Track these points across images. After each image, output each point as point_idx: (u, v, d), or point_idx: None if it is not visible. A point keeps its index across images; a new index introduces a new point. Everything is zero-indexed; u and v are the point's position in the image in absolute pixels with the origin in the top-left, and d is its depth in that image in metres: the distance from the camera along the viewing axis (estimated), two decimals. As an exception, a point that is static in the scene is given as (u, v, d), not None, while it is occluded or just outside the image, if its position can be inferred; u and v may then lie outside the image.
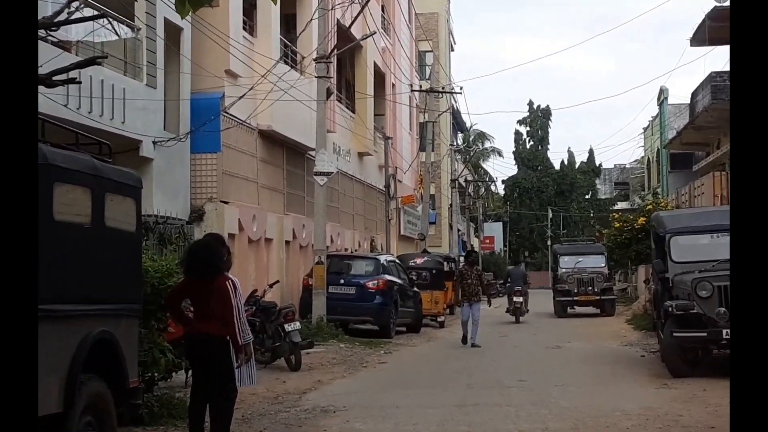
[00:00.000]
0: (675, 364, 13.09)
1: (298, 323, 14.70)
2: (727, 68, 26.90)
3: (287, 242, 22.94)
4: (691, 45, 32.42)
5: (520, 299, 28.15)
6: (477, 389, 12.41)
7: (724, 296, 12.45)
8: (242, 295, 8.42)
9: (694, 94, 32.07)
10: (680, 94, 55.65)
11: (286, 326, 14.19)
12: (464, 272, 19.54)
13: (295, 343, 14.27)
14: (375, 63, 32.06)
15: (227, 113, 18.92)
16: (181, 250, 13.40)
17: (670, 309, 13.03)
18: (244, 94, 18.68)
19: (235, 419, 8.72)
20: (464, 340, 19.27)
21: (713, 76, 27.94)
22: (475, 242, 64.18)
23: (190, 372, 9.89)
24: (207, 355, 7.84)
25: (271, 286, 16.30)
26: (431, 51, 47.21)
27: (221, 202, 18.78)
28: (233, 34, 18.92)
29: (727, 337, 12.23)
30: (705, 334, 12.67)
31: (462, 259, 39.06)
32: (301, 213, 24.37)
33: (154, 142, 16.83)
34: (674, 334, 12.85)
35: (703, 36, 30.12)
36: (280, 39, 22.13)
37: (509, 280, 29.51)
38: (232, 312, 7.77)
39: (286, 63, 22.07)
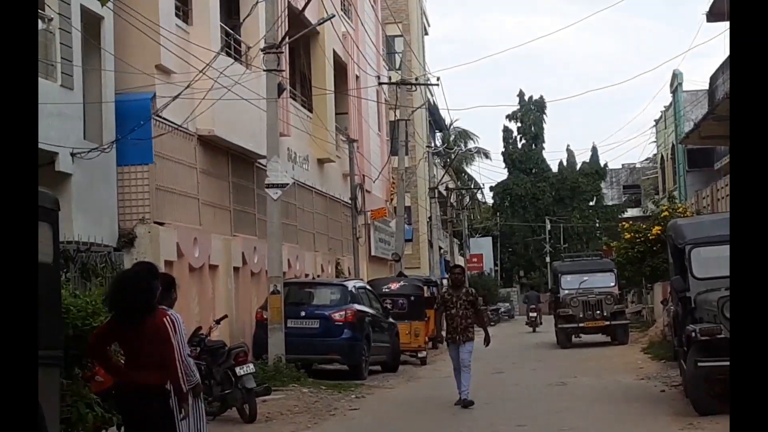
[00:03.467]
0: (701, 400, 13.18)
1: (251, 365, 14.66)
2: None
3: (236, 269, 22.88)
4: (708, 20, 32.82)
5: (535, 314, 46.62)
6: (468, 438, 12.42)
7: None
8: (185, 334, 8.37)
9: (713, 79, 32.44)
10: (697, 79, 56.20)
11: (237, 369, 14.15)
12: (447, 298, 16.40)
13: (248, 390, 14.23)
14: (335, 51, 32.11)
15: (160, 117, 18.87)
16: (108, 283, 13.34)
17: (693, 334, 13.12)
18: (179, 94, 18.62)
19: (179, 484, 8.66)
20: (461, 401, 15.81)
21: (735, 57, 28.23)
22: (460, 261, 64.37)
23: (122, 429, 9.82)
24: (142, 410, 7.77)
25: (218, 322, 16.22)
26: (401, 35, 47.36)
27: (155, 223, 18.71)
28: (164, 23, 18.88)
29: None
30: (735, 363, 12.75)
31: (446, 282, 39.51)
32: (252, 234, 24.33)
33: (73, 154, 16.74)
34: (699, 364, 12.93)
35: (722, 9, 30.46)
36: (221, 26, 22.12)
37: (526, 301, 52.95)
38: (172, 355, 7.69)
39: (228, 55, 22.06)
